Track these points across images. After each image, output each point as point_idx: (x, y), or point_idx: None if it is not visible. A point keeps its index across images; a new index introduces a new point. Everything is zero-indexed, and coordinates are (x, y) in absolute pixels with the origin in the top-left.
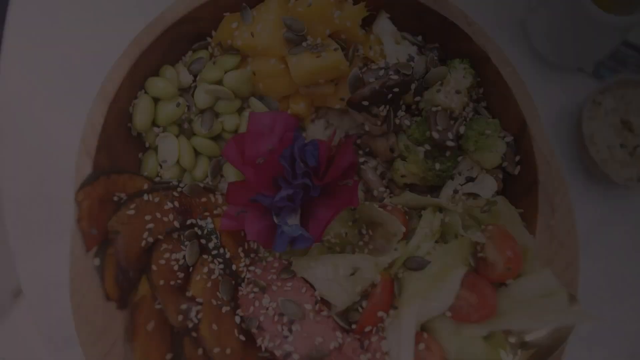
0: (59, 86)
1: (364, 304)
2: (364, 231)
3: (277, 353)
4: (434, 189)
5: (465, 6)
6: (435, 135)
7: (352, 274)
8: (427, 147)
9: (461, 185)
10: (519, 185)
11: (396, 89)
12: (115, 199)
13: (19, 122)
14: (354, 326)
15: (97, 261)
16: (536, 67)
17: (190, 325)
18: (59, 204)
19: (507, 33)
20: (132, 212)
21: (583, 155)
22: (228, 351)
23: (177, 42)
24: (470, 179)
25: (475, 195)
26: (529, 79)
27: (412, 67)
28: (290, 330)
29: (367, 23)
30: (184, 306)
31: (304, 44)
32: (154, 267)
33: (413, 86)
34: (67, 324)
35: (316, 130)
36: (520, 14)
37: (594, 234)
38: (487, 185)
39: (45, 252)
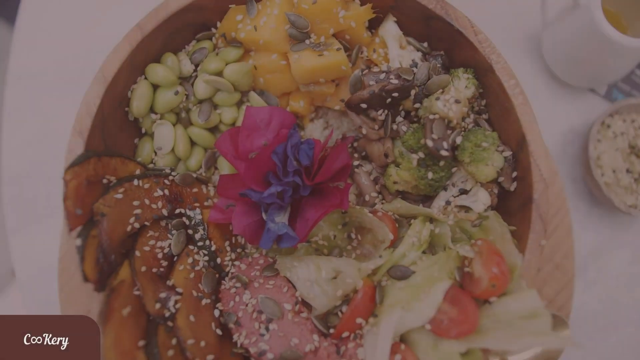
0: (64, 70)
1: (344, 309)
2: (352, 235)
3: (252, 350)
4: (427, 199)
5: (479, 18)
6: (430, 143)
7: (335, 278)
8: (421, 155)
9: (454, 197)
10: (514, 202)
11: (395, 94)
12: (105, 181)
13: (23, 104)
14: (332, 331)
15: (79, 241)
16: (548, 85)
17: (167, 314)
18: (55, 185)
19: (521, 48)
20: (120, 195)
21: (587, 178)
22: (202, 344)
23: (180, 30)
24: (463, 192)
25: (467, 208)
26: (540, 96)
27: (414, 73)
28: (267, 329)
29: (373, 25)
30: (163, 294)
31: (307, 41)
32: (137, 253)
33: (413, 92)
34: (54, 306)
35: (315, 130)
36: (536, 29)
37: (592, 259)
38: (481, 199)
39: (38, 233)
